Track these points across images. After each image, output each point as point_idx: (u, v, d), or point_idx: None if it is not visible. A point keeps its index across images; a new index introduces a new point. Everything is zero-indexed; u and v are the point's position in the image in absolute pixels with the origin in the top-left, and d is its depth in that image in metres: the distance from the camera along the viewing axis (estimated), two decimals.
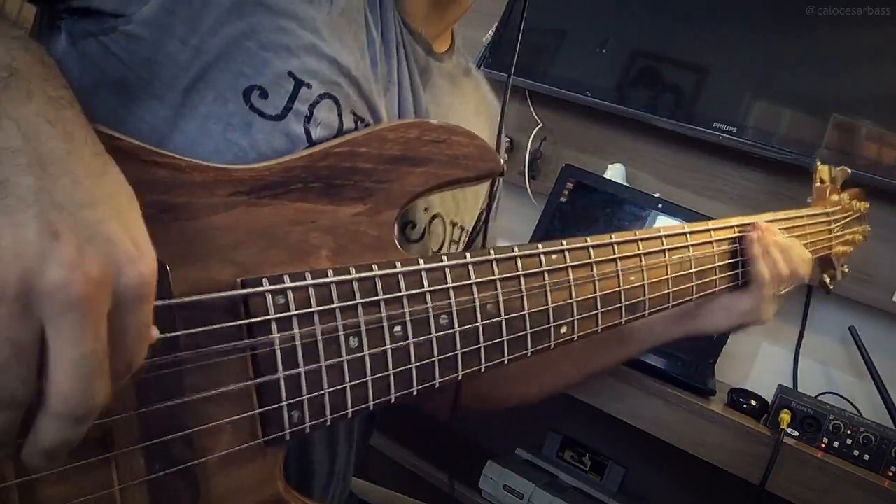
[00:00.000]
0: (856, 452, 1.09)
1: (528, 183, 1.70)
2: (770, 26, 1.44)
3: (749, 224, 0.78)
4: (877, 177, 1.26)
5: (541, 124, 1.74)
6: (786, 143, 1.41)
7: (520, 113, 1.76)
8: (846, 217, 0.91)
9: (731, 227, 0.75)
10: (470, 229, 0.80)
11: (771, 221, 0.79)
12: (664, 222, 1.33)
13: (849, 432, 1.10)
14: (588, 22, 1.65)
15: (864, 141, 1.35)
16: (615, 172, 1.59)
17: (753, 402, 1.22)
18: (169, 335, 0.44)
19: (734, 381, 1.44)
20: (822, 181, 0.90)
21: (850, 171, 0.91)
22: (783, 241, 0.78)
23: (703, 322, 0.81)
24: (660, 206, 1.37)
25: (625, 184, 1.53)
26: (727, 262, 0.74)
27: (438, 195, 0.71)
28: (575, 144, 1.72)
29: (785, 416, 1.13)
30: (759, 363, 1.50)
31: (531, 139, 1.73)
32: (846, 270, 0.94)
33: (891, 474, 1.07)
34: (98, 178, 0.38)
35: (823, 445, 1.11)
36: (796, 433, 1.12)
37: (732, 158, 1.54)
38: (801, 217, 0.83)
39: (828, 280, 0.93)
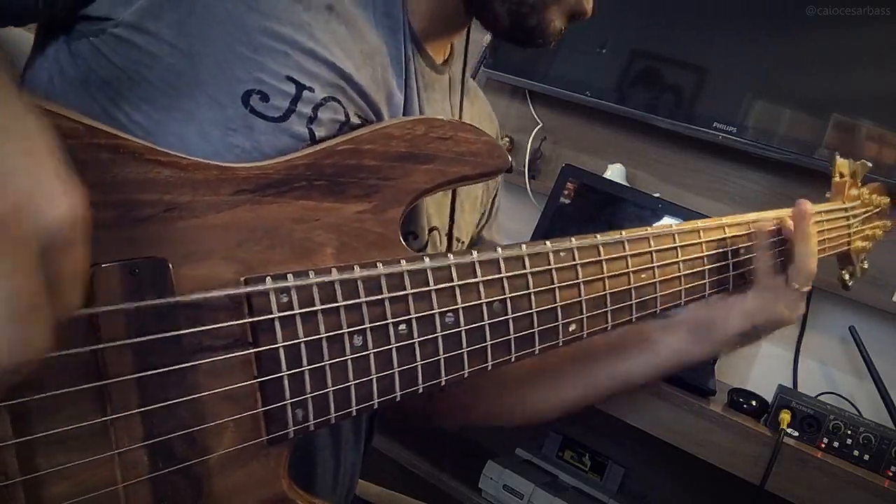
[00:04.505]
0: (856, 452, 1.09)
1: (528, 183, 1.70)
2: (770, 26, 1.44)
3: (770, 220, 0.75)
4: (877, 177, 1.26)
5: (541, 124, 1.74)
6: (786, 143, 1.41)
7: (520, 113, 1.76)
8: (866, 212, 0.89)
9: (746, 223, 0.73)
10: (468, 243, 0.80)
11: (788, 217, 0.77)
12: (669, 223, 1.33)
13: (849, 432, 1.10)
14: (588, 22, 1.65)
15: (864, 141, 1.35)
16: (615, 172, 1.59)
17: (753, 402, 1.22)
18: (170, 334, 0.44)
19: (734, 381, 1.44)
20: (840, 175, 0.88)
21: (870, 164, 0.89)
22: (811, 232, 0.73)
23: (720, 335, 0.74)
24: (660, 206, 1.37)
25: (625, 184, 1.53)
26: (742, 258, 0.73)
27: (437, 210, 0.71)
28: (575, 144, 1.72)
29: (785, 416, 1.13)
30: (759, 363, 1.51)
31: (531, 139, 1.73)
32: (865, 266, 0.92)
33: (891, 474, 1.07)
34: (13, 120, 0.35)
35: (823, 445, 1.11)
36: (796, 433, 1.12)
37: (732, 158, 1.54)
38: (819, 212, 0.80)
39: (847, 276, 0.92)
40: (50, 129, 0.37)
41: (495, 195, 0.87)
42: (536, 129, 1.74)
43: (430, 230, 0.70)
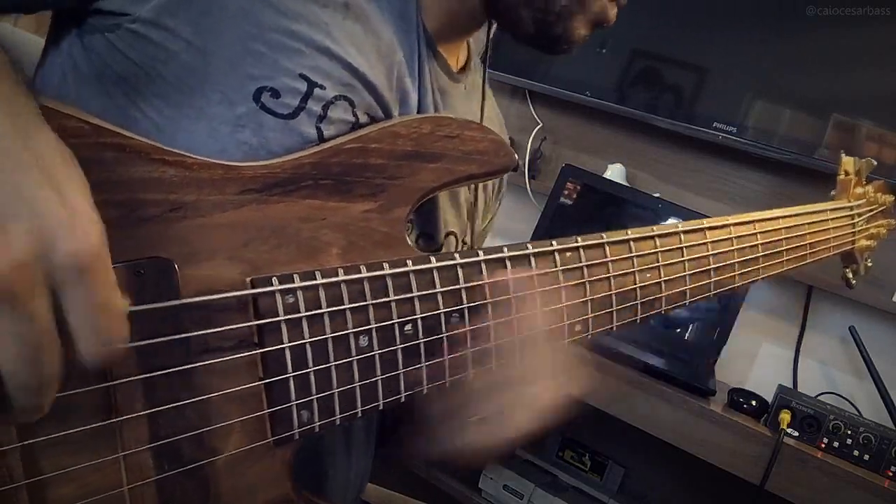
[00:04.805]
0: (856, 452, 1.10)
1: (528, 183, 1.70)
2: (770, 26, 1.44)
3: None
4: (877, 177, 1.27)
5: (541, 124, 1.74)
6: (786, 143, 1.41)
7: (520, 113, 1.76)
8: (871, 210, 0.89)
9: (752, 222, 0.73)
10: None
11: (794, 216, 0.77)
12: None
13: (849, 432, 1.11)
14: None
15: (864, 141, 1.36)
16: (615, 172, 1.59)
17: (753, 402, 1.22)
18: (177, 337, 0.44)
19: (734, 381, 1.45)
20: (846, 173, 0.88)
21: (875, 162, 0.89)
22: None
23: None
24: (660, 206, 1.37)
25: (625, 184, 1.53)
26: (747, 258, 0.73)
27: (456, 215, 0.71)
28: (575, 144, 1.73)
29: (785, 416, 1.13)
30: (759, 363, 1.51)
31: (531, 139, 1.73)
32: (869, 265, 0.93)
33: (891, 474, 1.07)
34: (24, 140, 0.35)
35: (823, 445, 1.12)
36: (796, 433, 1.13)
37: (732, 158, 1.54)
38: (825, 210, 0.81)
39: (850, 275, 0.92)
40: (68, 153, 0.37)
41: (490, 219, 0.85)
42: (536, 129, 1.74)
43: (447, 234, 0.70)
